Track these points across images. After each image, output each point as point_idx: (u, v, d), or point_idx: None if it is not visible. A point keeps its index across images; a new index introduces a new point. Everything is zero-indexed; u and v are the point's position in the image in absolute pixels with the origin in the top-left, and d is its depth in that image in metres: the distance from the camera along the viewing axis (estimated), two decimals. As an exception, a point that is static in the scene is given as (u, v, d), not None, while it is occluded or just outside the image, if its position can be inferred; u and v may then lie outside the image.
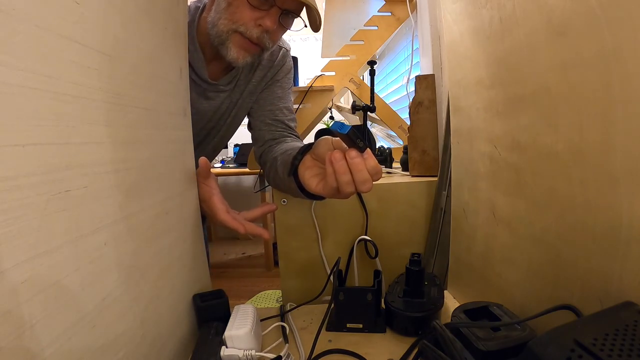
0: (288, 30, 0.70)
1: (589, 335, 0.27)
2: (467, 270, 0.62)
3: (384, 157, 1.01)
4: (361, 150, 0.43)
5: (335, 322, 0.56)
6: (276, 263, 2.10)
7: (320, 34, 1.44)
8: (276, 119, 0.80)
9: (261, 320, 0.58)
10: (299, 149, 0.56)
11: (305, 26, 0.67)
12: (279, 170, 0.64)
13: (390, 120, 1.37)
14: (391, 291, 0.58)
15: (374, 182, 0.45)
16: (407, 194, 0.76)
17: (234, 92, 0.78)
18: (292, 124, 0.82)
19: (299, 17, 0.68)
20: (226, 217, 0.58)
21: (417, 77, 0.82)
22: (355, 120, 1.64)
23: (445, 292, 0.67)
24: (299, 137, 0.83)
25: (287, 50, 0.84)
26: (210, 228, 3.13)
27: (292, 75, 0.86)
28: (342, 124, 0.42)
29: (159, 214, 0.45)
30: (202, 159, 0.60)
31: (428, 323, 0.51)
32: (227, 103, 0.79)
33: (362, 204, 0.74)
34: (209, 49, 0.69)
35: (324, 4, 1.36)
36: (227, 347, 0.45)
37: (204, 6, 0.70)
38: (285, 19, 0.65)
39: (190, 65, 0.66)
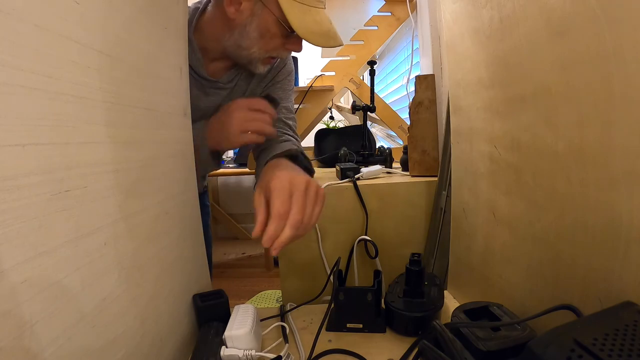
0: None
1: (589, 335, 0.27)
2: (467, 270, 0.62)
3: (384, 157, 1.01)
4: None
5: (335, 322, 0.56)
6: (276, 263, 2.10)
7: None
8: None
9: (261, 320, 0.58)
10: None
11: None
12: None
13: (390, 120, 1.37)
14: (391, 291, 0.58)
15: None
16: (407, 194, 0.76)
17: (235, 91, 0.79)
18: (290, 122, 0.82)
19: None
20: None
21: (417, 77, 0.82)
22: (355, 120, 1.64)
23: (445, 292, 0.67)
24: (296, 137, 0.83)
25: None
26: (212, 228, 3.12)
27: (293, 77, 0.86)
28: None
29: (159, 214, 0.45)
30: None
31: (428, 323, 0.51)
32: (228, 101, 0.79)
33: (362, 204, 0.74)
34: (210, 51, 0.70)
35: (324, 4, 1.36)
36: (227, 347, 0.45)
37: (204, 8, 0.70)
38: None
39: (189, 66, 0.66)
